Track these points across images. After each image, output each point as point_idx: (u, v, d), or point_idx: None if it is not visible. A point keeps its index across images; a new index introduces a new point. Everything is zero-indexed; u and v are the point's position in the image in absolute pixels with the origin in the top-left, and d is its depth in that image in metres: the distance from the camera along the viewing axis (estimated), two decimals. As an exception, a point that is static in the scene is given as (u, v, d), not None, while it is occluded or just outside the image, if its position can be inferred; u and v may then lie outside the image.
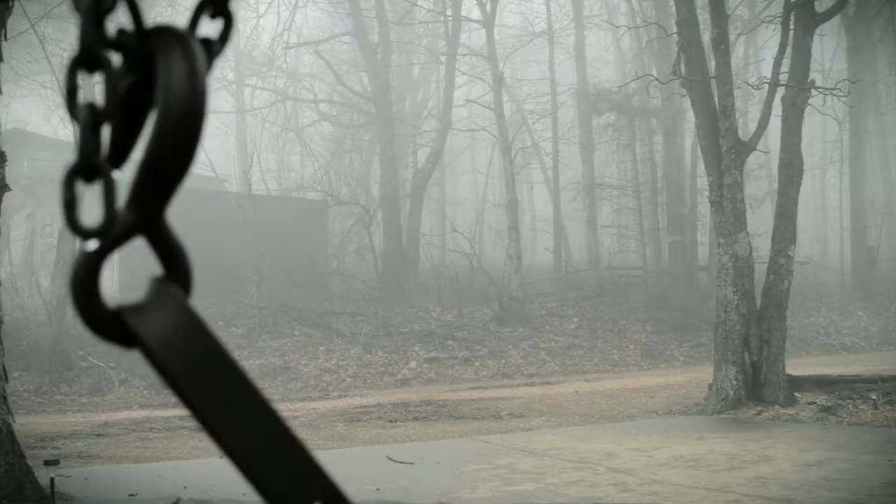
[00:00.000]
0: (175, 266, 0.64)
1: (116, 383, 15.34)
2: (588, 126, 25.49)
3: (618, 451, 8.55)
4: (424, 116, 29.46)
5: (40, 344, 15.48)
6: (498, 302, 20.33)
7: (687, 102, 21.41)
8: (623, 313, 21.27)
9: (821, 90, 11.04)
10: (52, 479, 6.23)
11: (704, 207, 23.82)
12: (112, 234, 0.61)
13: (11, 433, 5.96)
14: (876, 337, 20.97)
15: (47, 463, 6.23)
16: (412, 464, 7.86)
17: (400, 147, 25.49)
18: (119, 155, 0.64)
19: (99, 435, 10.39)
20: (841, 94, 11.00)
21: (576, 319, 20.85)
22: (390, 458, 8.06)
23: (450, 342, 18.72)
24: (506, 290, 20.42)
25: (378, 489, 6.91)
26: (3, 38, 6.15)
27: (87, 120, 0.60)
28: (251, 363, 17.11)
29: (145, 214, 0.63)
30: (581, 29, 27.28)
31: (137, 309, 0.61)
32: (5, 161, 6.09)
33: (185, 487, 6.94)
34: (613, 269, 24.54)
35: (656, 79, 13.41)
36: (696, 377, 14.05)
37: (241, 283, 20.15)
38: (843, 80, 12.25)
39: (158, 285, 0.63)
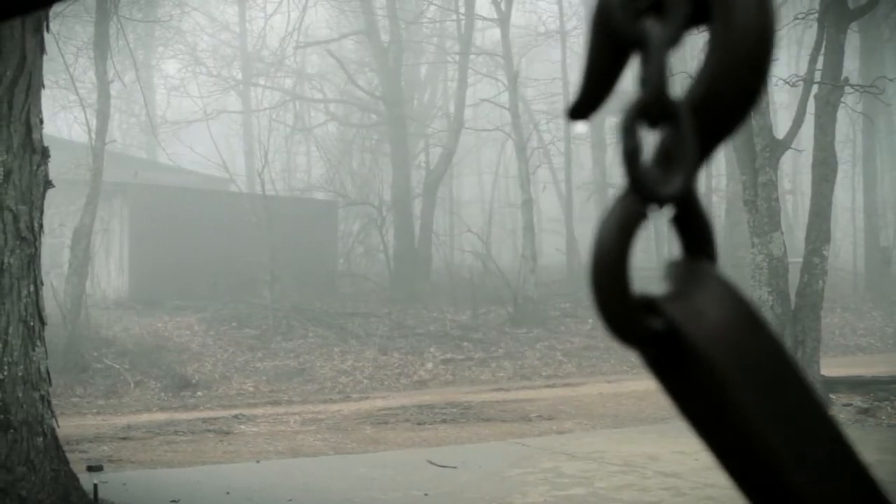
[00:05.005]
0: (703, 243, 0.46)
1: (132, 385, 15.13)
2: (600, 126, 25.33)
3: (661, 454, 8.37)
4: (434, 116, 29.25)
5: (54, 345, 15.05)
6: (513, 303, 20.14)
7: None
8: (638, 314, 21.09)
9: (857, 88, 10.89)
10: (95, 486, 6.04)
11: (719, 207, 23.73)
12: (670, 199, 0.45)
13: (56, 438, 5.77)
14: (892, 338, 20.84)
15: (90, 468, 6.04)
16: (455, 468, 7.68)
17: (410, 147, 25.29)
18: (595, 98, 0.48)
19: (124, 438, 10.19)
20: (877, 91, 10.86)
21: (590, 320, 20.65)
22: (432, 462, 7.88)
23: (465, 343, 18.53)
24: (520, 291, 20.23)
25: (426, 494, 6.74)
26: (45, 28, 5.97)
27: (663, 39, 0.43)
28: (266, 365, 16.91)
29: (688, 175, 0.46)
30: (592, 28, 27.09)
31: (678, 298, 0.44)
32: (48, 157, 5.91)
33: (228, 493, 6.76)
34: (626, 269, 24.36)
35: (690, 76, 13.18)
36: (720, 378, 13.88)
37: (253, 284, 19.95)
38: (880, 76, 12.09)
39: (693, 266, 0.46)
